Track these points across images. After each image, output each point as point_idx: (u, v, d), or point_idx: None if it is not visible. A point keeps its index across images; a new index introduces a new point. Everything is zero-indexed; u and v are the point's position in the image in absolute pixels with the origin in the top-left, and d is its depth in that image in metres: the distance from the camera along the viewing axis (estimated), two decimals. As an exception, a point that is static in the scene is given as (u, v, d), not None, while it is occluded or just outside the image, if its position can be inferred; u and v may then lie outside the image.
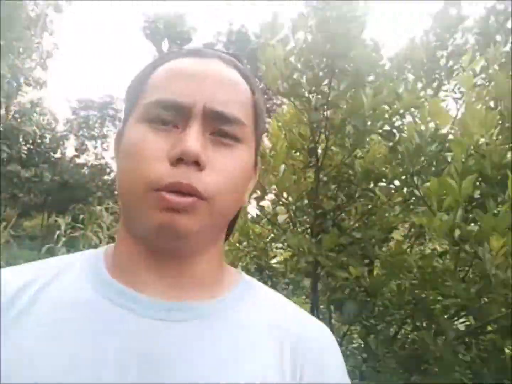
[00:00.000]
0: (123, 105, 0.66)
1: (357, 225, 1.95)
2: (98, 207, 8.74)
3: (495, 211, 1.37)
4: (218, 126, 0.56)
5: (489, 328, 1.57)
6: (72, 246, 7.77)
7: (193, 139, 0.53)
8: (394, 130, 1.82)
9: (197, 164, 0.53)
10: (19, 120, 13.06)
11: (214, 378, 0.53)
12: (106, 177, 15.99)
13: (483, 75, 1.76)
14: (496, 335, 1.48)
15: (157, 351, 0.53)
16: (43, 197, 14.28)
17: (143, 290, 0.57)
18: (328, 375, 0.60)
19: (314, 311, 1.94)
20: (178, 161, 0.53)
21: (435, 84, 2.02)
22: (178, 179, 0.53)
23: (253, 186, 0.66)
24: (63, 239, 8.07)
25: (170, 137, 0.55)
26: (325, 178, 1.98)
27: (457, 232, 1.36)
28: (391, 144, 1.79)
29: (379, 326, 1.80)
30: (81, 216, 8.62)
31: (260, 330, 0.59)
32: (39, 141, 13.81)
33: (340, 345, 1.05)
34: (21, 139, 13.01)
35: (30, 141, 13.45)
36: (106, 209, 8.65)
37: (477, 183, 1.47)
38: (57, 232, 8.31)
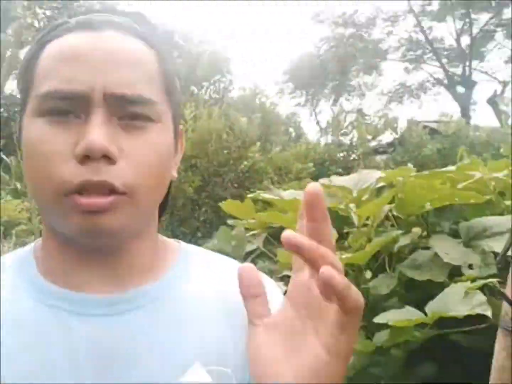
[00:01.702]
0: None
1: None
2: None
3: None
4: (125, 110, 0.51)
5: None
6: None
7: (97, 130, 0.48)
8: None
9: (107, 157, 0.49)
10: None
11: (168, 365, 0.52)
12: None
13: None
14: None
15: (107, 348, 0.52)
16: None
17: (81, 288, 0.54)
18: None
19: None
20: (85, 158, 0.48)
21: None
22: (87, 177, 0.48)
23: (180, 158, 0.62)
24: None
25: (72, 130, 0.50)
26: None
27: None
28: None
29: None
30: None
31: (207, 304, 0.57)
32: None
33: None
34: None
35: None
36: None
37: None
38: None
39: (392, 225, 1.90)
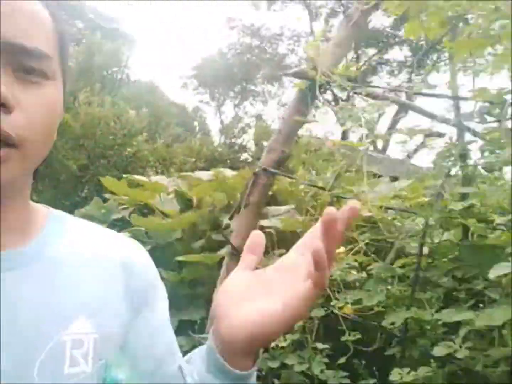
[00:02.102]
0: None
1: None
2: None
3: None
4: (22, 62, 0.50)
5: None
6: None
7: None
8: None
9: (4, 106, 0.47)
10: None
11: (50, 323, 0.52)
12: None
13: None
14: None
15: None
16: None
17: None
18: (154, 284, 0.65)
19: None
20: None
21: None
22: None
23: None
24: None
25: None
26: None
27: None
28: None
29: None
30: None
31: (83, 262, 0.58)
32: None
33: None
34: None
35: None
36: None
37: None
38: None
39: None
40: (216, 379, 0.56)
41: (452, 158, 1.78)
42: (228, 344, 0.55)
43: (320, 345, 1.98)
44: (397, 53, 14.12)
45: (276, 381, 2.02)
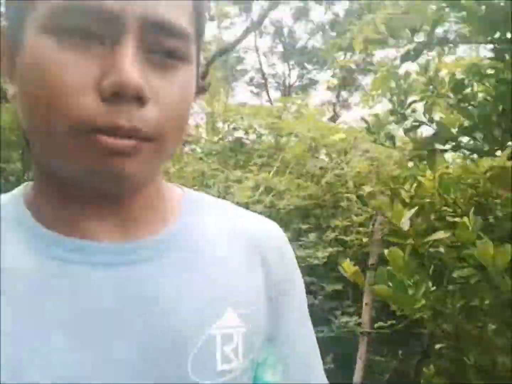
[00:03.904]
0: None
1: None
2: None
3: None
4: (160, 42, 0.43)
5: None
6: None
7: (130, 64, 0.41)
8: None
9: (138, 98, 0.41)
10: None
11: (198, 312, 0.49)
12: None
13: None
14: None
15: (132, 298, 0.46)
16: None
17: (90, 237, 0.47)
18: (287, 262, 0.59)
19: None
20: (114, 94, 0.41)
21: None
22: (117, 120, 0.41)
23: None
24: None
25: (95, 58, 0.41)
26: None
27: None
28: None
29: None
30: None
31: (222, 250, 0.54)
32: None
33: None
34: None
35: None
36: None
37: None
38: None
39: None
40: None
41: None
42: None
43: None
44: None
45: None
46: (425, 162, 1.72)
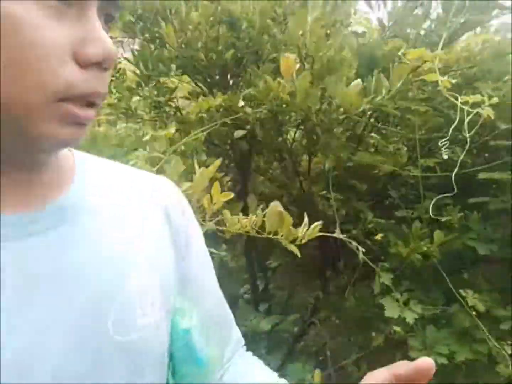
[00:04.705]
0: None
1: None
2: None
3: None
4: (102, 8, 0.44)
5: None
6: None
7: (103, 31, 0.42)
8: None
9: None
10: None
11: (111, 273, 0.49)
12: None
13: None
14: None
15: (36, 267, 0.45)
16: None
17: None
18: (187, 216, 0.63)
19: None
20: (96, 64, 0.41)
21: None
22: (94, 87, 0.42)
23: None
24: None
25: (66, 21, 0.40)
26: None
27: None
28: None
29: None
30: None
31: (125, 210, 0.54)
32: None
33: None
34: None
35: None
36: None
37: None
38: None
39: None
40: None
41: None
42: None
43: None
44: None
45: None
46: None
